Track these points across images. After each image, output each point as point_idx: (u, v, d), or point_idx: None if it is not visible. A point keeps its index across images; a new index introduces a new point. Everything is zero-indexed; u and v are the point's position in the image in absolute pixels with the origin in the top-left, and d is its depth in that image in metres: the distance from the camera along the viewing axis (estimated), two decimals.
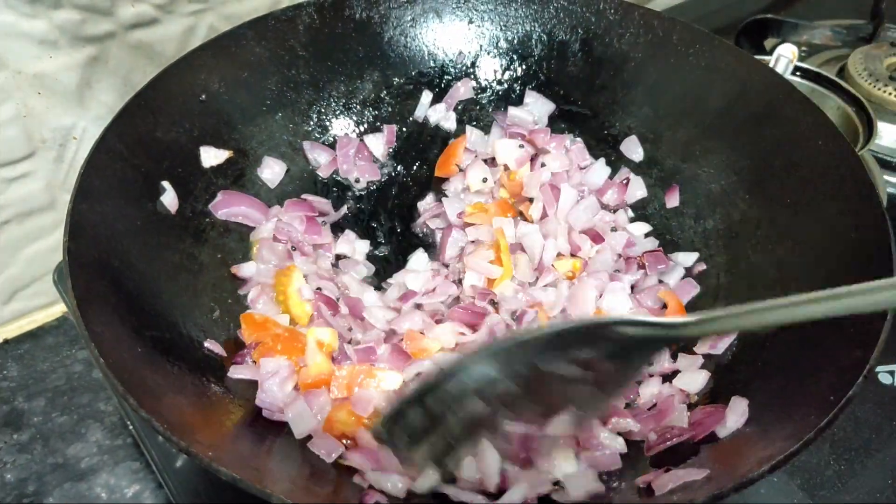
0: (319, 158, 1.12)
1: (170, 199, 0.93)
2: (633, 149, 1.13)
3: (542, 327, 0.85)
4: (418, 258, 1.05)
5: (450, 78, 1.19)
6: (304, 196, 1.08)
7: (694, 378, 0.87)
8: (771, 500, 0.92)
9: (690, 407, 0.83)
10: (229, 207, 1.01)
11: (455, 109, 1.18)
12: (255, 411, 0.80)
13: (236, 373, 0.84)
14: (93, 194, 0.83)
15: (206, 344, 0.86)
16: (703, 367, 0.89)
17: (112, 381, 0.66)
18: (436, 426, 0.67)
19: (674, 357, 0.91)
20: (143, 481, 0.99)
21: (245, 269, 0.97)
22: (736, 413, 0.77)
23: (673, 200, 1.08)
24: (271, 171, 1.07)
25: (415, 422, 0.68)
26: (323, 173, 1.12)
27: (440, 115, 1.17)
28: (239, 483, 0.61)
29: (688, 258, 1.01)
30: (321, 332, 0.88)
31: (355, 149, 1.12)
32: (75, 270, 0.74)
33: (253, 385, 0.85)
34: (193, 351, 0.84)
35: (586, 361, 0.66)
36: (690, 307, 0.98)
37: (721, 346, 0.89)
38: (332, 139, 1.14)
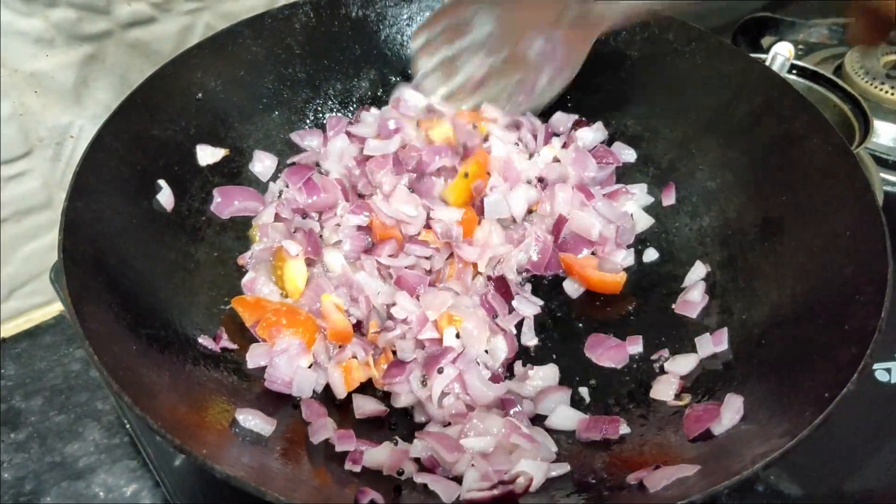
0: (311, 143, 1.12)
1: (166, 197, 0.93)
2: (622, 151, 1.13)
3: None
4: None
5: None
6: (293, 160, 1.08)
7: (685, 361, 0.89)
8: (768, 498, 0.92)
9: (685, 406, 0.83)
10: (230, 206, 1.01)
11: None
12: (251, 409, 0.80)
13: (252, 359, 0.86)
14: (89, 192, 0.83)
15: (201, 340, 0.86)
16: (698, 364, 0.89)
17: (107, 378, 0.66)
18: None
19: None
20: (140, 480, 0.99)
21: (248, 256, 0.98)
22: (731, 410, 0.77)
23: (669, 198, 1.08)
24: (262, 164, 1.07)
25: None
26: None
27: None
28: (233, 481, 0.61)
29: (699, 271, 1.00)
30: (333, 298, 0.91)
31: (344, 129, 1.12)
32: (71, 268, 0.74)
33: (251, 382, 0.85)
34: (189, 349, 0.84)
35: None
36: None
37: (723, 344, 0.89)
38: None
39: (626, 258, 1.03)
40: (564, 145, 1.12)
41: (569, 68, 1.05)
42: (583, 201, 1.03)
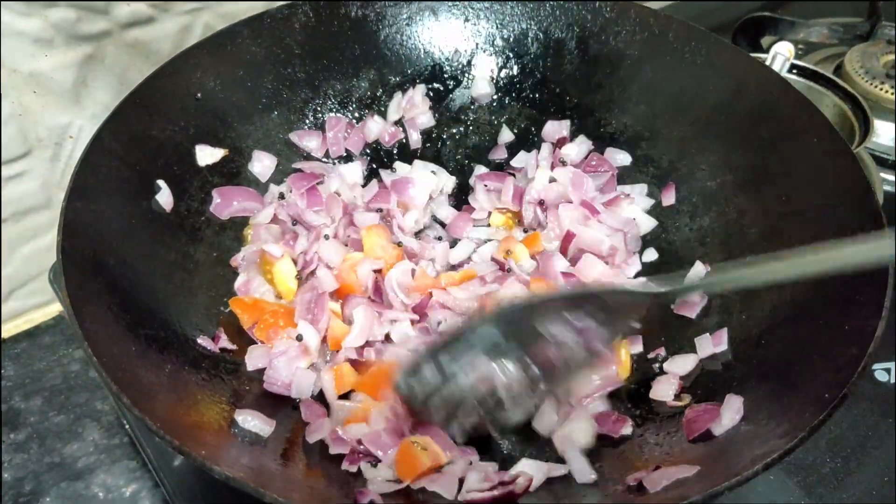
0: (310, 144, 1.12)
1: (165, 197, 0.93)
2: (615, 156, 1.13)
3: (542, 294, 0.90)
4: None
5: (446, 76, 1.19)
6: (298, 165, 1.08)
7: (684, 361, 0.89)
8: (768, 498, 0.92)
9: (685, 406, 0.83)
10: (229, 206, 1.01)
11: (449, 110, 1.19)
12: (250, 410, 0.80)
13: (252, 361, 0.87)
14: (87, 193, 0.83)
15: (200, 341, 0.86)
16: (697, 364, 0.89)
17: (106, 379, 0.66)
18: (447, 383, 0.77)
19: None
20: (140, 480, 0.99)
21: (239, 258, 0.98)
22: (731, 411, 0.77)
23: (669, 198, 1.08)
24: (261, 164, 1.07)
25: (429, 377, 0.77)
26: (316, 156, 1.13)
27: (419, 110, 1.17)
28: (232, 482, 0.61)
29: (699, 271, 0.99)
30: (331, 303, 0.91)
31: (344, 129, 1.13)
32: (69, 269, 0.74)
33: (251, 383, 0.85)
34: (188, 349, 0.84)
35: (577, 328, 0.77)
36: None
37: (722, 344, 0.89)
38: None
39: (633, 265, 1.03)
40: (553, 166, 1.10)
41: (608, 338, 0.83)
42: (587, 216, 1.03)
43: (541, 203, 1.06)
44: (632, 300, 0.81)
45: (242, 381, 0.86)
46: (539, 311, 0.78)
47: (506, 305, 0.80)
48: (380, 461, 0.77)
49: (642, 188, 1.09)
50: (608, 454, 0.80)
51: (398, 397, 0.79)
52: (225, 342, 0.88)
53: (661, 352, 0.92)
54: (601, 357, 0.82)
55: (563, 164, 1.10)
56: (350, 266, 0.94)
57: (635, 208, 1.07)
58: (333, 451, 0.78)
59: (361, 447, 0.78)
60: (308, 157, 1.12)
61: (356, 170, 1.11)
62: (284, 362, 0.85)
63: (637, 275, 1.01)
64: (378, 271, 0.95)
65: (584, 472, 0.77)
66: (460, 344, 0.78)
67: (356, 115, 1.16)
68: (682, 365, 0.89)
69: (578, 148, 1.12)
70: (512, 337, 0.77)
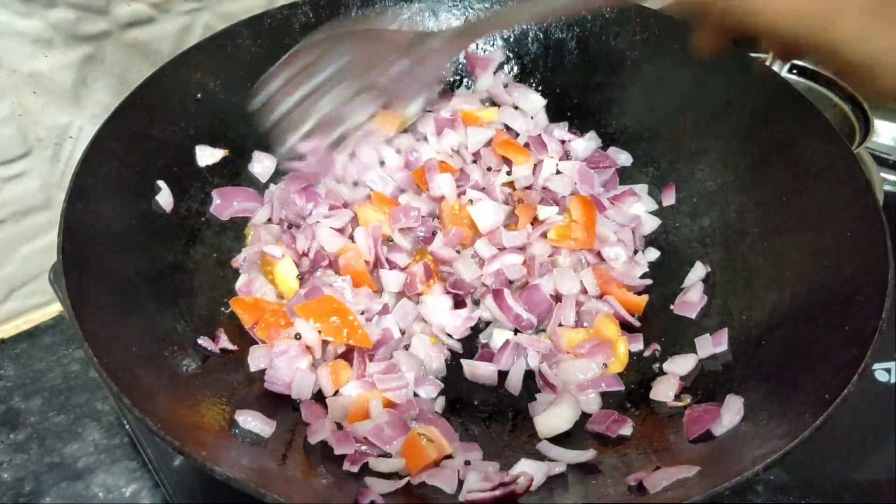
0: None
1: (165, 198, 0.93)
2: (618, 156, 1.13)
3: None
4: None
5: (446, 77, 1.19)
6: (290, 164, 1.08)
7: (684, 362, 0.89)
8: (768, 498, 0.92)
9: (685, 407, 0.83)
10: (230, 207, 1.01)
11: None
12: (251, 410, 0.80)
13: (254, 362, 0.87)
14: (88, 193, 0.83)
15: (200, 341, 0.86)
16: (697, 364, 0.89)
17: (106, 380, 0.66)
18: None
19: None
20: (140, 480, 0.99)
21: (240, 259, 0.98)
22: (731, 411, 0.77)
23: (669, 199, 1.08)
24: (261, 165, 1.07)
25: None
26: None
27: None
28: (233, 483, 0.61)
29: (699, 272, 0.99)
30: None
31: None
32: (70, 270, 0.74)
33: (251, 383, 0.85)
34: (189, 350, 0.84)
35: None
36: None
37: (723, 344, 0.89)
38: None
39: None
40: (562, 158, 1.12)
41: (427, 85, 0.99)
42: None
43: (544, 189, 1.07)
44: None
45: (243, 381, 0.86)
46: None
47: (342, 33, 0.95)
48: (390, 455, 0.77)
49: (643, 188, 1.09)
50: (608, 454, 0.80)
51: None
52: (225, 343, 0.88)
53: (657, 347, 0.92)
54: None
55: (568, 157, 1.11)
56: (353, 254, 0.95)
57: (640, 207, 1.07)
58: (339, 451, 0.78)
59: (365, 447, 0.78)
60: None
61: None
62: (285, 362, 0.85)
63: (643, 276, 1.01)
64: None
65: (562, 456, 0.79)
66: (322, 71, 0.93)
67: None
68: (682, 365, 0.89)
69: (587, 143, 1.13)
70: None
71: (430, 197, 1.03)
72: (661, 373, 0.90)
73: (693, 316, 0.95)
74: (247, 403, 0.81)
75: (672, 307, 0.97)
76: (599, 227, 1.01)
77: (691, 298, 0.96)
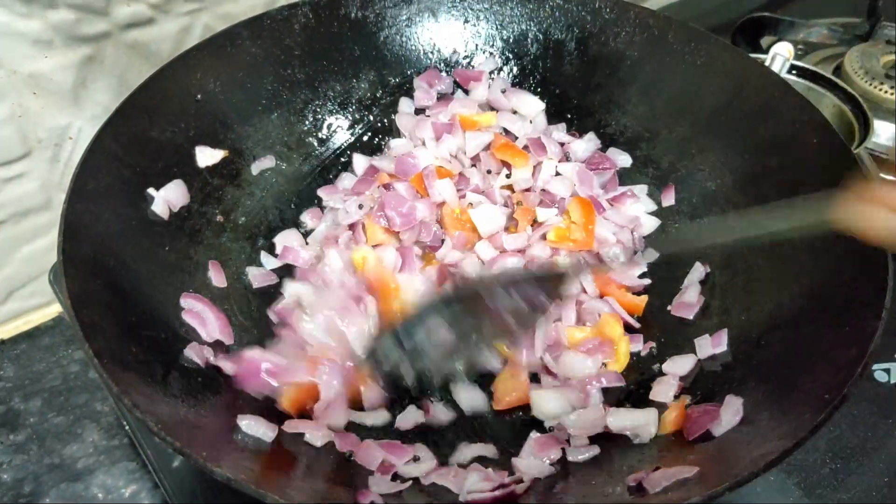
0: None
1: (160, 206, 0.93)
2: (617, 157, 1.13)
3: (499, 275, 0.96)
4: None
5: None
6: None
7: (683, 362, 0.89)
8: (767, 499, 0.92)
9: (685, 407, 0.83)
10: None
11: None
12: (250, 410, 0.80)
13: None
14: (88, 194, 0.83)
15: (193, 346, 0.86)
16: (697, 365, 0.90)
17: (107, 381, 0.66)
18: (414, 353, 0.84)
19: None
20: (139, 481, 0.99)
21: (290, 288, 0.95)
22: (730, 412, 0.77)
23: (669, 199, 1.08)
24: (261, 166, 1.08)
25: (395, 349, 0.84)
26: None
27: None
28: (233, 484, 0.61)
29: (698, 272, 0.99)
30: None
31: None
32: (70, 271, 0.74)
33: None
34: (189, 350, 0.84)
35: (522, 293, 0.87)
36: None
37: (722, 345, 0.89)
38: (325, 136, 1.14)
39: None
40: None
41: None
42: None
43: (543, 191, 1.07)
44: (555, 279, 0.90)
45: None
46: (486, 291, 0.86)
47: (452, 289, 0.90)
48: (418, 458, 0.79)
49: (642, 189, 1.09)
50: (607, 454, 0.80)
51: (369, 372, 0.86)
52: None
53: (653, 345, 0.93)
54: (544, 310, 0.91)
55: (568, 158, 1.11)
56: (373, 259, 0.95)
57: (639, 208, 1.07)
58: (341, 448, 0.79)
59: (392, 457, 0.79)
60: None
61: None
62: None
63: (642, 276, 1.01)
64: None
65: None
66: (416, 322, 0.86)
67: (356, 116, 1.16)
68: (681, 365, 0.89)
69: (587, 144, 1.13)
70: (464, 313, 0.87)
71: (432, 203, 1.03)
72: (661, 373, 0.90)
73: (690, 317, 0.95)
74: (247, 402, 0.81)
75: (669, 308, 0.97)
76: (599, 229, 1.01)
77: (688, 299, 0.96)
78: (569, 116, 1.17)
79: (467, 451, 0.82)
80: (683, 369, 0.89)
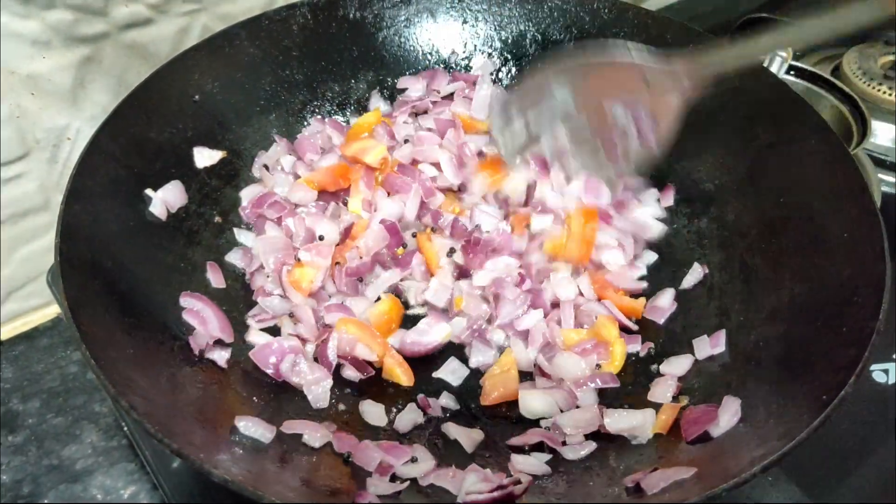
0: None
1: (158, 207, 0.93)
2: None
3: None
4: None
5: None
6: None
7: (680, 362, 0.89)
8: (767, 498, 0.92)
9: (683, 408, 0.83)
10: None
11: None
12: (248, 412, 0.80)
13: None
14: (85, 195, 0.82)
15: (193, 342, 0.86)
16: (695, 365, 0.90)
17: (104, 382, 0.66)
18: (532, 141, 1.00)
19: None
20: (138, 482, 0.99)
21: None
22: (728, 412, 0.77)
23: (667, 200, 1.08)
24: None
25: (518, 130, 1.01)
26: None
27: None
28: (231, 485, 0.61)
29: (697, 273, 0.99)
30: None
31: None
32: (67, 272, 0.74)
33: (249, 385, 0.85)
34: (186, 352, 0.84)
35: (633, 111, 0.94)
36: (684, 306, 0.98)
37: (720, 346, 0.89)
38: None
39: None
40: None
41: (659, 131, 0.96)
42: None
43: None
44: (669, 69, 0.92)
45: (244, 382, 0.85)
46: (602, 74, 0.94)
47: (574, 65, 0.96)
48: (416, 459, 0.79)
49: (652, 193, 1.08)
50: (605, 455, 0.80)
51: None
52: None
53: (651, 346, 0.93)
54: (651, 150, 0.96)
55: None
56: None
57: (647, 212, 1.06)
58: (339, 449, 0.79)
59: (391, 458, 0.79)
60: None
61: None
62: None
63: (640, 278, 1.01)
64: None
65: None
66: (543, 102, 0.98)
67: (354, 116, 1.16)
68: (679, 366, 0.89)
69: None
70: (582, 109, 0.97)
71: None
72: (659, 374, 0.90)
73: (661, 321, 0.95)
74: (244, 402, 0.81)
75: (644, 312, 0.97)
76: (600, 236, 1.00)
77: (661, 304, 0.97)
78: None
79: (453, 430, 0.83)
80: (682, 370, 0.89)
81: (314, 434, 0.80)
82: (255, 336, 0.91)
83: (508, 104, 1.03)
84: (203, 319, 0.87)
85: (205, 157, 1.01)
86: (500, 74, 1.20)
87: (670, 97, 0.92)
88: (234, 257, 0.99)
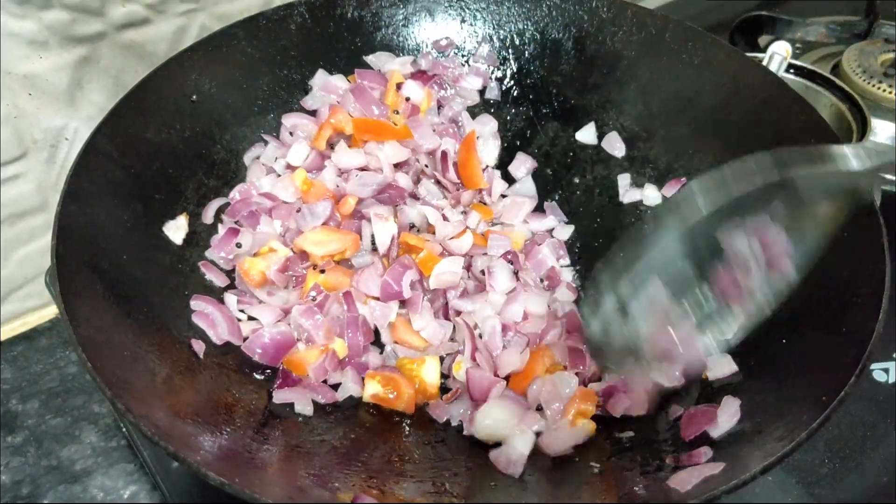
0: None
1: (173, 231, 0.95)
2: (614, 145, 1.13)
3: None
4: None
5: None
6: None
7: (720, 364, 0.85)
8: (767, 498, 0.92)
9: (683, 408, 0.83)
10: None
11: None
12: (248, 413, 0.80)
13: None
14: (82, 196, 0.82)
15: (194, 346, 0.86)
16: None
17: (100, 384, 0.66)
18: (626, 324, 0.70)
19: None
20: (138, 483, 0.99)
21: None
22: (728, 413, 0.76)
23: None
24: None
25: (610, 313, 0.71)
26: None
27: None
28: (227, 488, 0.61)
29: None
30: None
31: None
32: (64, 273, 0.74)
33: (248, 386, 0.85)
34: (184, 353, 0.84)
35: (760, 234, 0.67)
36: None
37: None
38: None
39: None
40: None
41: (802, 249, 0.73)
42: None
43: None
44: (832, 182, 0.68)
45: (243, 383, 0.85)
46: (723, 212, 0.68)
47: (687, 208, 0.69)
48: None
49: (653, 190, 1.09)
50: (604, 456, 0.80)
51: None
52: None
53: None
54: (786, 278, 0.70)
55: None
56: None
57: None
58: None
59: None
60: None
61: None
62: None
63: None
64: None
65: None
66: (641, 267, 0.70)
67: None
68: (718, 368, 0.85)
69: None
70: (692, 257, 0.69)
71: None
72: None
73: None
74: (247, 406, 0.81)
75: None
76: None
77: None
78: (566, 117, 1.17)
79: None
80: (721, 372, 0.84)
81: (303, 400, 0.83)
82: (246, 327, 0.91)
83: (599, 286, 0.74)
84: (212, 322, 0.87)
85: (172, 228, 0.96)
86: (498, 74, 1.19)
87: (825, 206, 0.70)
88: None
